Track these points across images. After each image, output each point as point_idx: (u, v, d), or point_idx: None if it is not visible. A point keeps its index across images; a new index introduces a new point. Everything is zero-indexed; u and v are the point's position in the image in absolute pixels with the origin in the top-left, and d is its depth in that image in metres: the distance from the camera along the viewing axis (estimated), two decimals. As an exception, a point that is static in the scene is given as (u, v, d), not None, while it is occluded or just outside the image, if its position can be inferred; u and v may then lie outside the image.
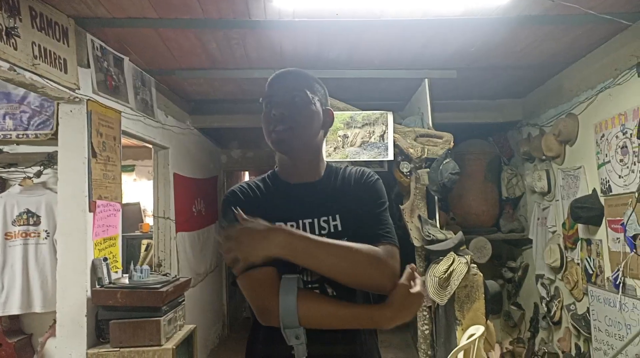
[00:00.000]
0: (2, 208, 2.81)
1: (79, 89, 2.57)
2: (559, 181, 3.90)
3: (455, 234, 3.29)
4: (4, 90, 2.87)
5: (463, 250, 3.17)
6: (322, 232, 1.18)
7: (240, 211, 1.07)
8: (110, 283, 2.65)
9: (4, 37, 2.02)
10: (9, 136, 2.86)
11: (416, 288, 1.11)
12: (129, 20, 2.60)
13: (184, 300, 2.97)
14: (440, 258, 3.07)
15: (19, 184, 2.91)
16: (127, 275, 2.80)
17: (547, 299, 4.08)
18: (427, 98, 3.65)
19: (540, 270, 4.30)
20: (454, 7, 2.57)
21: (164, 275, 2.92)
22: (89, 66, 2.71)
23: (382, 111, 3.42)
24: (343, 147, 3.36)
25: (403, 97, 4.34)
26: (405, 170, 3.38)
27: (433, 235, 3.23)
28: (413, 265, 1.17)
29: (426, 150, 3.42)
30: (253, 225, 1.05)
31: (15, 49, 2.09)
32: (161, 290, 2.61)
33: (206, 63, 3.34)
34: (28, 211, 2.85)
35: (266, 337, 1.16)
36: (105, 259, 2.66)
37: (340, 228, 1.20)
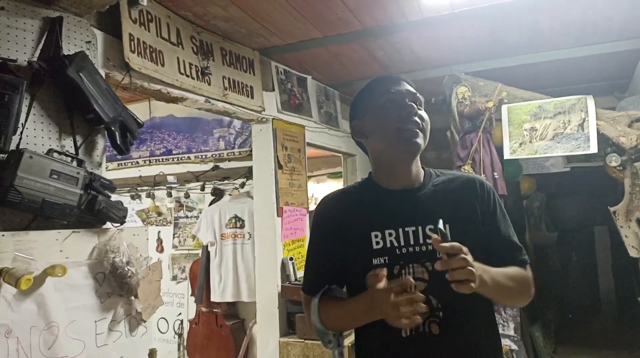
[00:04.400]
0: (218, 213, 3.46)
1: (264, 110, 2.96)
2: None
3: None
4: (218, 118, 3.52)
5: None
6: (428, 241, 1.12)
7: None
8: (295, 280, 2.95)
9: (200, 76, 2.50)
10: (222, 155, 3.51)
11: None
12: (300, 44, 2.87)
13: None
14: (668, 273, 2.41)
15: (229, 194, 3.53)
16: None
17: None
18: (650, 72, 2.93)
19: None
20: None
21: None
22: (273, 89, 3.10)
23: (579, 96, 2.89)
24: (530, 142, 2.97)
25: (623, 75, 3.57)
26: (614, 164, 2.78)
27: (658, 244, 2.56)
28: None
29: (645, 137, 2.73)
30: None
31: (209, 84, 2.56)
32: (337, 289, 2.78)
33: (379, 70, 3.41)
34: (236, 216, 3.43)
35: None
36: (291, 258, 2.98)
37: (449, 238, 1.10)
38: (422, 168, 1.23)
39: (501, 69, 3.14)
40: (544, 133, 2.96)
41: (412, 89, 1.20)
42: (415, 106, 1.15)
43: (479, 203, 1.17)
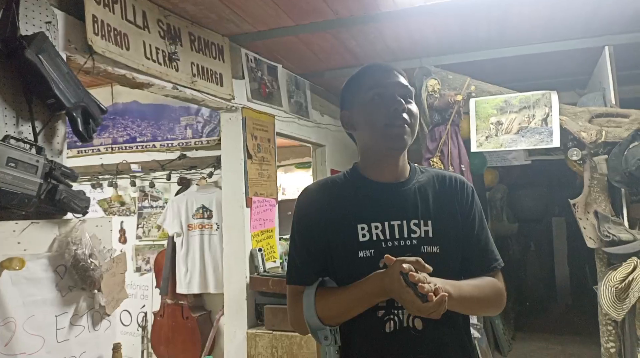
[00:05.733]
0: (184, 203, 3.39)
1: (234, 99, 2.90)
2: None
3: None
4: (185, 105, 3.42)
5: (657, 255, 2.55)
6: (413, 235, 1.12)
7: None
8: (264, 271, 2.93)
9: (167, 61, 2.41)
10: (189, 144, 3.42)
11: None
12: (271, 31, 2.82)
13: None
14: (622, 263, 2.53)
15: (196, 184, 3.45)
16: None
17: None
18: (609, 70, 3.04)
19: None
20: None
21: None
22: (243, 77, 3.03)
23: (543, 91, 2.97)
24: (496, 135, 3.03)
25: (583, 71, 3.69)
26: (575, 158, 2.88)
27: (614, 235, 2.68)
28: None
29: (604, 133, 2.84)
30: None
31: (177, 70, 2.48)
32: (306, 280, 2.78)
33: (350, 61, 3.40)
34: (203, 207, 3.36)
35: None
36: (260, 249, 2.95)
37: (431, 235, 1.13)
38: (408, 163, 1.22)
39: (470, 63, 3.19)
40: (510, 127, 3.03)
41: (402, 82, 1.16)
42: (403, 101, 1.13)
43: (458, 202, 1.18)
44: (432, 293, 0.93)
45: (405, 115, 1.12)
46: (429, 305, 0.93)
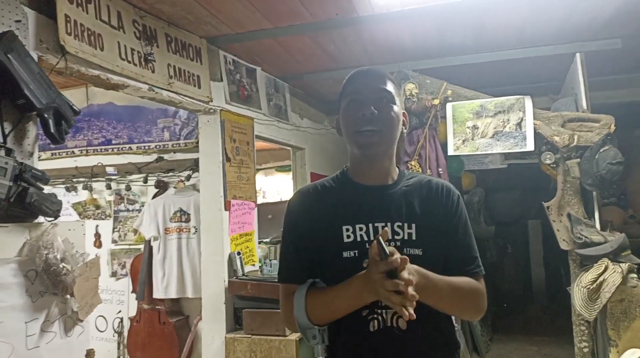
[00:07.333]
0: (162, 207, 3.34)
1: (212, 101, 2.87)
2: None
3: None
4: (163, 107, 3.38)
5: (627, 256, 2.62)
6: (396, 237, 1.14)
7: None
8: (243, 275, 2.91)
9: (143, 63, 2.38)
10: (167, 146, 3.38)
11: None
12: (249, 34, 2.81)
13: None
14: (594, 264, 2.59)
15: (174, 187, 3.41)
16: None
17: None
18: (580, 76, 3.11)
19: None
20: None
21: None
22: (221, 80, 3.01)
23: (518, 96, 3.03)
24: (473, 139, 3.08)
25: (556, 77, 3.78)
26: (548, 161, 2.95)
27: (586, 237, 2.74)
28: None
29: (576, 137, 2.92)
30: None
31: (153, 72, 2.45)
32: (285, 284, 2.76)
33: (329, 64, 3.42)
34: (181, 210, 3.32)
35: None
36: (238, 253, 2.93)
37: (414, 238, 1.15)
38: (397, 167, 1.24)
39: (447, 67, 3.24)
40: (485, 131, 3.08)
41: (380, 85, 1.17)
42: (372, 107, 1.13)
43: (443, 208, 1.20)
44: (396, 256, 0.94)
45: (373, 121, 1.13)
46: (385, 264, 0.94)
